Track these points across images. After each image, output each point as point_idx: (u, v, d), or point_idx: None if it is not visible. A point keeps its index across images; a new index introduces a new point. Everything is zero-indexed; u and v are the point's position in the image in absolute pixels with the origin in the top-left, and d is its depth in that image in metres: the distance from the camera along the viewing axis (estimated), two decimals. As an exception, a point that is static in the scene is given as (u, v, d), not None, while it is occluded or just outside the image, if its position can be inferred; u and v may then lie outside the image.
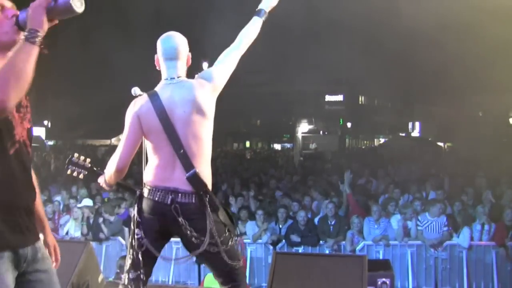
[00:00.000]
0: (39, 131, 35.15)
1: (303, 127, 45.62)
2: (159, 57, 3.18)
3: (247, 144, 43.19)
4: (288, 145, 42.59)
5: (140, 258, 3.03)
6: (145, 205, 3.03)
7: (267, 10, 3.44)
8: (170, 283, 8.15)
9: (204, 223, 2.94)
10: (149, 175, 3.07)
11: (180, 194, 2.96)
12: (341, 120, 43.96)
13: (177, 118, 2.98)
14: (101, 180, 3.38)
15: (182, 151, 2.94)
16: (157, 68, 3.21)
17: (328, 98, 45.98)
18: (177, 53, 3.14)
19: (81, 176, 3.64)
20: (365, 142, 48.01)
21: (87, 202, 9.69)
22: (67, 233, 9.03)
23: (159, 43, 3.19)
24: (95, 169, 3.71)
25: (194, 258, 7.97)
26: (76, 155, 3.69)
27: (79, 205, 9.43)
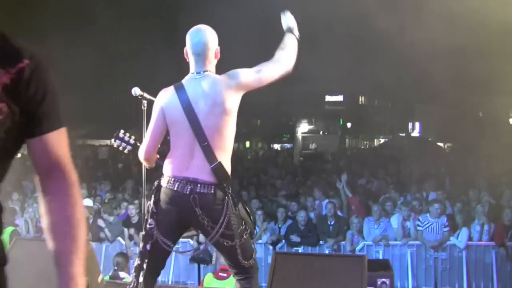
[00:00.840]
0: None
1: (303, 127, 45.62)
2: (188, 50, 3.22)
3: (247, 144, 43.17)
4: (288, 145, 42.57)
5: (148, 248, 3.07)
6: (163, 195, 3.07)
7: (291, 26, 3.62)
8: (169, 283, 8.14)
9: (221, 214, 2.99)
10: (168, 165, 3.11)
11: (199, 185, 3.00)
12: (341, 120, 43.96)
13: (200, 111, 3.03)
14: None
15: (206, 143, 2.99)
16: (187, 60, 3.27)
17: (328, 98, 45.98)
18: (206, 47, 3.17)
19: (126, 151, 3.68)
20: (365, 142, 48.00)
21: (87, 202, 9.69)
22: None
23: (188, 37, 3.23)
24: (138, 144, 3.67)
25: (191, 257, 7.96)
26: (122, 131, 3.75)
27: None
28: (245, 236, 3.10)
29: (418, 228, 8.07)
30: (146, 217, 3.14)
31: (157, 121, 3.12)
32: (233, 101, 3.09)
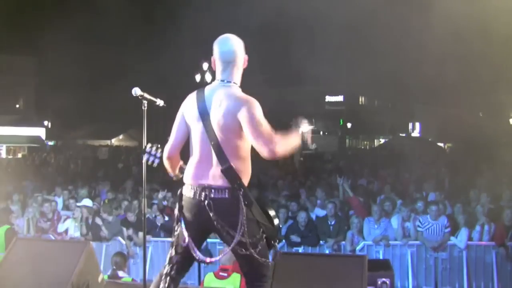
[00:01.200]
0: (39, 131, 35.18)
1: (303, 127, 45.61)
2: (215, 59, 3.25)
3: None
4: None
5: (174, 254, 3.23)
6: (184, 203, 3.17)
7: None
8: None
9: (237, 218, 3.00)
10: (187, 174, 3.21)
11: (213, 190, 3.05)
12: (341, 120, 43.94)
13: (215, 117, 3.10)
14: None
15: (217, 146, 3.05)
16: (213, 69, 3.32)
17: (328, 98, 45.98)
18: (233, 56, 3.22)
19: (155, 164, 3.61)
20: (365, 142, 47.99)
21: (87, 202, 9.70)
22: (66, 233, 9.03)
23: (215, 45, 3.24)
24: None
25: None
26: (149, 145, 3.68)
27: (78, 205, 9.44)
28: (260, 247, 3.09)
29: (419, 229, 8.07)
30: (174, 225, 3.27)
31: (178, 123, 3.26)
32: (233, 119, 3.11)
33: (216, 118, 3.08)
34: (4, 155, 30.95)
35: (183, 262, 3.27)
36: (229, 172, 3.04)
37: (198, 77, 25.67)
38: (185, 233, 3.15)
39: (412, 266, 8.04)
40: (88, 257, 4.44)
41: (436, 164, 14.69)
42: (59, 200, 10.39)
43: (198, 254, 3.19)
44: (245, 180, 3.14)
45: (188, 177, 3.19)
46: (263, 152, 3.13)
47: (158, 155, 3.63)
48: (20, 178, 12.93)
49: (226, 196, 3.04)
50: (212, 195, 3.04)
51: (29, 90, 34.86)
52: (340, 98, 45.83)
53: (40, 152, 26.15)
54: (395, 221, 8.41)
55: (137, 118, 4.07)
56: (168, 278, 3.20)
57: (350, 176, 10.82)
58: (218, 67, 3.24)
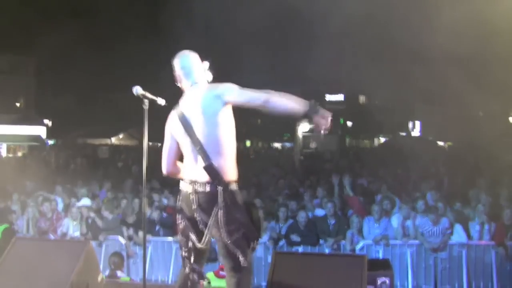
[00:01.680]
0: (39, 130, 35.19)
1: (304, 127, 45.56)
2: (179, 73, 3.68)
3: (248, 143, 43.15)
4: (288, 145, 42.53)
5: (184, 246, 3.48)
6: (181, 197, 3.51)
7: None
8: (169, 282, 8.15)
9: (211, 211, 3.29)
10: (183, 170, 3.57)
11: (198, 184, 3.35)
12: (341, 119, 43.89)
13: (193, 120, 3.41)
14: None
15: (199, 147, 3.35)
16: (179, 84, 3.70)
17: (329, 97, 45.92)
18: (192, 69, 3.66)
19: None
20: (366, 141, 47.96)
21: (86, 201, 9.70)
22: (66, 232, 9.02)
23: (176, 62, 3.67)
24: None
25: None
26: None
27: (78, 204, 9.44)
28: (235, 237, 3.31)
29: (419, 229, 8.07)
30: (178, 222, 3.54)
31: (169, 143, 3.60)
32: (220, 111, 3.38)
33: (195, 122, 3.38)
34: (4, 154, 30.96)
35: (195, 252, 3.46)
36: (210, 169, 3.30)
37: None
38: (184, 224, 3.45)
39: (412, 266, 8.05)
40: (88, 256, 4.44)
41: (436, 163, 14.68)
42: (59, 200, 10.38)
43: (195, 241, 3.41)
44: (230, 175, 3.38)
45: (183, 174, 3.54)
46: (260, 98, 3.33)
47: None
48: (20, 177, 12.92)
49: (207, 189, 3.31)
50: (196, 188, 3.34)
51: (29, 90, 34.89)
52: (340, 97, 45.77)
53: (40, 151, 26.15)
54: (395, 221, 8.41)
55: (137, 117, 4.07)
56: (190, 271, 3.47)
57: (350, 175, 10.81)
58: (182, 79, 3.62)
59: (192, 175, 3.41)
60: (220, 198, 3.27)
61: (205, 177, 3.32)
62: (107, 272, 6.85)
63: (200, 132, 3.36)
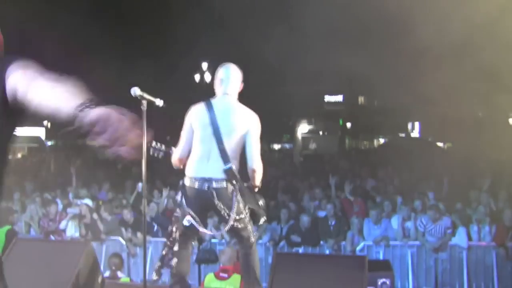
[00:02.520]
0: (38, 131, 35.16)
1: (303, 128, 45.56)
2: (219, 78, 4.16)
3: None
4: (288, 146, 42.53)
5: (174, 231, 3.97)
6: (188, 192, 3.93)
7: None
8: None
9: (232, 202, 3.84)
10: (189, 168, 3.96)
11: (214, 181, 3.84)
12: (340, 120, 43.88)
13: (222, 123, 3.95)
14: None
15: (221, 146, 3.85)
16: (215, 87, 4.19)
17: (328, 98, 45.89)
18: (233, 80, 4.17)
19: (160, 156, 4.20)
20: (365, 142, 47.96)
21: (87, 202, 9.69)
22: (66, 233, 9.02)
23: (220, 70, 4.17)
24: (170, 151, 4.26)
25: (194, 259, 7.99)
26: (154, 142, 4.22)
27: (78, 205, 9.43)
28: (246, 220, 3.95)
29: (420, 229, 8.06)
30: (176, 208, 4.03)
31: (187, 131, 4.01)
32: (243, 132, 3.94)
33: (226, 125, 3.87)
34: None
35: (184, 239, 4.02)
36: (230, 171, 3.84)
37: (197, 77, 25.64)
38: (189, 215, 3.88)
39: (412, 267, 8.04)
40: (88, 257, 4.44)
41: (435, 164, 14.67)
42: (59, 201, 10.37)
43: (202, 229, 3.98)
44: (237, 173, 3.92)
45: (191, 171, 3.93)
46: (254, 162, 3.94)
47: (163, 148, 4.25)
48: (20, 178, 12.91)
49: (225, 186, 3.84)
50: (214, 185, 3.82)
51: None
52: (339, 98, 45.73)
53: (40, 152, 26.13)
54: (395, 221, 8.40)
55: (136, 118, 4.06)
56: (171, 251, 4.00)
57: (350, 177, 10.81)
58: (220, 84, 4.09)
59: (204, 172, 3.87)
60: (236, 192, 3.85)
61: (221, 174, 3.84)
62: (108, 273, 6.85)
63: (226, 138, 3.87)
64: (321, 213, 9.07)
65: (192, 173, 3.91)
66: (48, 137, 36.17)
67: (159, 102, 3.94)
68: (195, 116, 3.96)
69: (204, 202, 3.88)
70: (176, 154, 4.05)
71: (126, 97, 3.81)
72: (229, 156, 3.85)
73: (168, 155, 4.28)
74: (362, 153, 29.30)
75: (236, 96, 4.11)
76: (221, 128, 3.85)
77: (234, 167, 3.86)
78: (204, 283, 6.13)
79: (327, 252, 8.12)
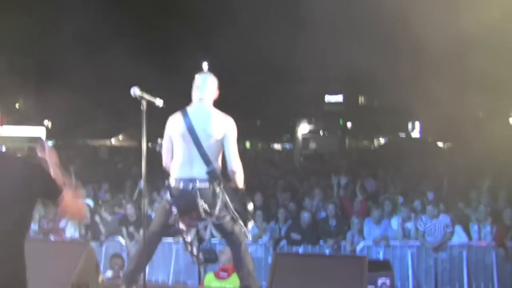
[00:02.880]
0: (39, 131, 35.16)
1: (303, 128, 45.57)
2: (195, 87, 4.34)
3: (247, 144, 43.17)
4: (288, 146, 42.54)
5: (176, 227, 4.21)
6: (173, 191, 4.11)
7: None
8: (170, 282, 8.15)
9: (215, 201, 4.03)
10: (174, 170, 4.15)
11: (198, 182, 4.03)
12: (341, 120, 43.89)
13: (200, 129, 4.13)
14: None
15: (204, 152, 4.04)
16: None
17: (328, 98, 45.90)
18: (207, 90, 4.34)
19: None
20: (365, 142, 47.94)
21: (87, 202, 9.68)
22: (66, 233, 9.02)
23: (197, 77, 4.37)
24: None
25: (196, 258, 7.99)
26: (160, 140, 4.55)
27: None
28: (227, 218, 4.10)
29: (420, 228, 8.06)
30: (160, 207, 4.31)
31: (168, 141, 4.19)
32: (221, 137, 4.13)
33: (203, 131, 4.05)
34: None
35: (160, 234, 4.33)
36: (212, 172, 4.03)
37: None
38: (174, 213, 4.11)
39: (412, 267, 8.04)
40: (88, 257, 4.43)
41: (435, 164, 14.66)
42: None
43: (182, 226, 4.19)
44: (220, 173, 4.11)
45: (176, 172, 4.12)
46: (233, 164, 4.13)
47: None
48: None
49: (208, 186, 4.03)
50: (198, 186, 4.02)
51: (29, 90, 34.85)
52: (339, 98, 45.74)
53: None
54: (395, 222, 8.40)
55: (136, 118, 4.09)
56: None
57: (350, 177, 10.81)
58: (196, 90, 4.27)
59: (188, 173, 4.06)
60: (220, 192, 4.02)
61: (204, 176, 4.03)
62: (110, 274, 6.85)
63: (205, 142, 4.05)
64: (322, 214, 9.07)
65: (177, 175, 4.11)
66: (48, 137, 36.15)
67: (159, 102, 3.97)
68: (173, 126, 4.14)
69: (188, 202, 4.05)
70: (163, 161, 4.27)
71: (127, 96, 3.81)
72: (211, 158, 4.04)
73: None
74: (362, 152, 29.28)
75: (211, 102, 4.28)
76: (199, 134, 4.04)
77: (216, 168, 4.06)
78: (204, 282, 6.13)
79: (327, 252, 8.12)
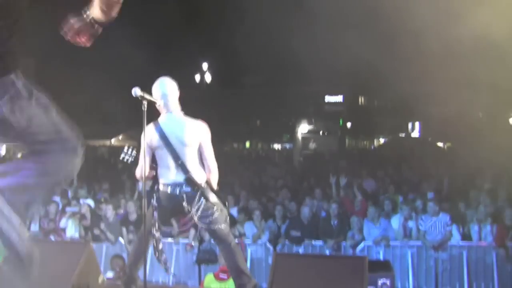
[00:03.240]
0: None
1: (303, 128, 45.57)
2: (157, 98, 4.30)
3: (247, 144, 43.16)
4: (288, 146, 42.51)
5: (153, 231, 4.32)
6: (161, 195, 4.30)
7: None
8: (170, 283, 8.14)
9: (198, 205, 4.20)
10: (161, 176, 4.33)
11: (184, 186, 4.23)
12: (340, 120, 43.87)
13: (174, 138, 4.27)
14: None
15: (180, 161, 4.23)
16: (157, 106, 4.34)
17: (328, 98, 45.91)
18: (169, 97, 4.39)
19: (128, 161, 4.56)
20: (365, 142, 47.94)
21: (87, 202, 9.68)
22: (66, 233, 9.01)
23: (155, 88, 4.36)
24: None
25: (195, 259, 8.00)
26: (126, 147, 4.58)
27: (80, 204, 9.42)
28: (212, 218, 4.21)
29: (420, 227, 8.06)
30: (146, 211, 4.24)
31: (146, 152, 4.26)
32: (196, 142, 4.29)
33: (178, 142, 4.21)
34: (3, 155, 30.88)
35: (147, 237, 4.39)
36: (189, 180, 4.22)
37: (197, 77, 25.63)
38: (156, 217, 4.29)
39: (413, 267, 8.04)
40: (88, 258, 4.43)
41: (436, 164, 14.66)
42: (59, 200, 10.36)
43: (164, 229, 4.63)
44: (203, 177, 4.27)
45: (162, 178, 4.30)
46: (211, 166, 4.32)
47: (133, 154, 4.58)
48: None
49: (189, 190, 4.21)
50: (184, 189, 4.21)
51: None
52: (339, 99, 45.74)
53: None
54: (395, 221, 8.40)
55: (137, 118, 4.08)
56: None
57: (350, 176, 10.81)
58: (161, 105, 4.30)
59: (173, 178, 4.25)
60: (199, 196, 4.20)
61: (187, 180, 4.22)
62: (111, 274, 6.85)
63: (181, 151, 4.22)
64: (322, 213, 9.07)
65: (164, 180, 4.30)
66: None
67: (160, 102, 3.98)
68: (149, 138, 4.24)
69: (174, 205, 4.28)
70: (137, 171, 4.39)
71: (127, 96, 3.81)
72: (187, 165, 4.22)
73: (136, 160, 4.62)
74: (362, 152, 29.27)
75: (178, 109, 4.37)
76: (173, 144, 4.21)
77: (193, 175, 4.22)
78: (204, 283, 6.14)
79: (327, 252, 8.12)
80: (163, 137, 4.24)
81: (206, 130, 4.36)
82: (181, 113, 4.39)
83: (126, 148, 4.62)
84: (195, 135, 4.29)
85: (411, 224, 8.27)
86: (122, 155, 4.61)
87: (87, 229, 8.87)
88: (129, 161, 4.58)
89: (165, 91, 4.33)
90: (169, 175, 4.28)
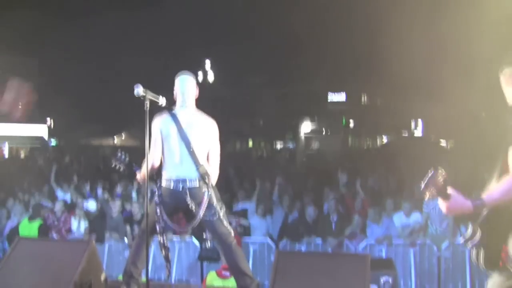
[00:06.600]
0: (41, 131, 35.21)
1: (306, 127, 45.56)
2: (177, 91, 4.52)
3: (250, 144, 43.19)
4: (290, 145, 42.53)
5: (158, 227, 4.32)
6: (163, 191, 4.32)
7: None
8: (172, 281, 8.16)
9: (202, 200, 4.25)
10: (164, 170, 4.35)
11: (188, 182, 4.26)
12: (343, 120, 43.85)
13: (190, 133, 4.35)
14: (137, 176, 4.54)
15: (192, 150, 4.28)
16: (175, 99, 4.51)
17: (331, 98, 45.89)
18: (190, 91, 4.53)
19: (121, 169, 4.61)
20: (368, 141, 47.90)
21: (91, 201, 9.70)
22: (70, 231, 9.04)
23: (177, 81, 4.51)
24: (133, 165, 4.67)
25: (197, 257, 8.01)
26: (119, 153, 4.61)
27: (82, 204, 9.44)
28: (216, 216, 4.27)
29: (425, 210, 8.07)
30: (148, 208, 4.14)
31: (157, 140, 4.34)
32: (209, 139, 4.39)
33: (192, 135, 4.27)
34: (7, 155, 30.98)
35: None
36: (201, 172, 4.26)
37: (200, 76, 25.62)
38: (160, 212, 4.28)
39: (415, 265, 8.03)
40: (91, 256, 4.43)
41: (438, 163, 14.63)
42: (62, 198, 10.39)
43: (170, 225, 4.37)
44: (210, 172, 4.32)
45: (166, 173, 4.33)
46: (215, 163, 4.40)
47: (126, 161, 4.62)
48: (23, 177, 12.95)
49: (197, 185, 4.25)
50: (187, 185, 4.24)
51: (32, 90, 34.87)
52: (342, 98, 45.72)
53: (43, 152, 26.16)
54: (398, 219, 8.40)
55: (139, 117, 4.09)
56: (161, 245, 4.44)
57: (352, 175, 10.81)
58: (179, 96, 4.45)
59: (179, 174, 4.27)
60: (207, 191, 4.25)
61: (194, 175, 4.25)
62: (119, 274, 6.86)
63: (194, 143, 4.28)
64: (324, 212, 9.09)
65: (168, 175, 4.32)
66: (50, 136, 36.22)
67: (162, 101, 3.98)
68: (163, 127, 4.33)
69: (177, 202, 4.30)
70: (150, 162, 4.29)
71: (129, 95, 3.82)
72: (199, 158, 4.27)
73: (129, 167, 4.65)
74: (365, 151, 29.26)
75: (194, 104, 4.50)
76: (188, 135, 4.27)
77: (205, 167, 4.28)
78: (206, 281, 6.15)
79: (330, 250, 8.12)
80: (179, 127, 4.31)
81: (216, 127, 4.45)
82: (195, 108, 4.49)
83: (118, 153, 4.61)
84: (208, 132, 4.39)
85: (416, 215, 8.27)
86: (114, 162, 4.61)
87: (90, 227, 8.89)
88: (121, 169, 4.59)
89: (185, 88, 4.46)
90: (176, 170, 4.29)
